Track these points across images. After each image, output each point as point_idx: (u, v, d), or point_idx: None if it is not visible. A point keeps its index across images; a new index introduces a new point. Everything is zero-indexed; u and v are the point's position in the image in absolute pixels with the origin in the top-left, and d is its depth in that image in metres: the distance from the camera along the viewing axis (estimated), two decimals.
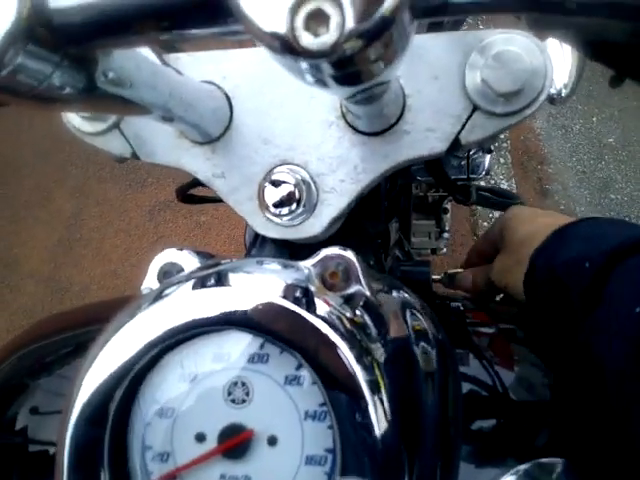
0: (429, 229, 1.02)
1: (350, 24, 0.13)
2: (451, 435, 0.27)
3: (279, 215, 0.33)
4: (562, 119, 2.06)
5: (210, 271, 0.27)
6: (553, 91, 0.41)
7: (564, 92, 0.40)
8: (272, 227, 0.34)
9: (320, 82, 0.17)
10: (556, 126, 2.12)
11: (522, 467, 0.27)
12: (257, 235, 0.41)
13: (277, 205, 0.33)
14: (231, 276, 0.26)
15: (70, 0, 0.16)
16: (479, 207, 1.75)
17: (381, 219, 0.49)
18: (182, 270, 0.28)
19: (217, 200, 0.47)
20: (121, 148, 0.36)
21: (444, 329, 0.32)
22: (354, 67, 0.16)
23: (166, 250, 0.29)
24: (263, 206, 0.34)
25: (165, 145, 0.36)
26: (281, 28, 0.14)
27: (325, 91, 0.19)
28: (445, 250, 1.14)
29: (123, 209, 1.71)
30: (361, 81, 0.18)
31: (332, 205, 0.34)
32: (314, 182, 0.34)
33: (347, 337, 0.23)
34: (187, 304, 0.25)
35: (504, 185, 1.80)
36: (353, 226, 0.39)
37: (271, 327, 0.24)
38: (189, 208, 1.72)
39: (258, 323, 0.24)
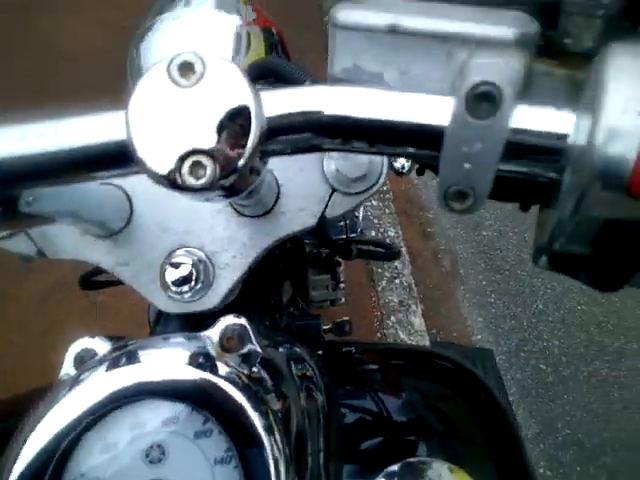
0: (326, 282, 1.10)
1: (219, 171, 0.20)
2: (334, 459, 0.33)
3: (180, 293, 0.38)
4: None
5: (121, 352, 0.31)
6: (398, 165, 0.52)
7: (407, 166, 0.51)
8: (174, 304, 0.39)
9: (207, 200, 0.24)
10: (430, 176, 2.39)
11: (392, 467, 0.34)
12: (161, 313, 0.45)
13: (177, 284, 0.38)
14: (140, 353, 0.30)
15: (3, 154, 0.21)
16: None
17: (273, 284, 0.55)
18: (96, 355, 0.32)
19: (120, 283, 0.51)
20: (28, 249, 0.39)
21: (335, 371, 0.39)
22: (226, 191, 0.22)
23: (80, 339, 0.32)
24: (165, 286, 0.38)
25: (70, 242, 0.39)
26: (172, 174, 0.20)
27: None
28: (343, 300, 1.23)
29: (12, 299, 1.60)
30: (234, 195, 0.24)
31: (226, 279, 0.39)
32: (209, 260, 0.39)
33: (245, 391, 0.28)
34: (102, 384, 0.28)
35: (391, 232, 1.99)
36: (249, 293, 0.45)
37: (179, 392, 0.28)
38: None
39: (167, 390, 0.28)
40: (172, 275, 0.38)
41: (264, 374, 0.30)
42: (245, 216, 0.40)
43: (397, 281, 1.84)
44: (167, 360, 0.29)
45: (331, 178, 0.39)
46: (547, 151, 0.19)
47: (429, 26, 0.21)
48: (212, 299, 0.39)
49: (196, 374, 0.28)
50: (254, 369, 0.30)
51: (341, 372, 0.40)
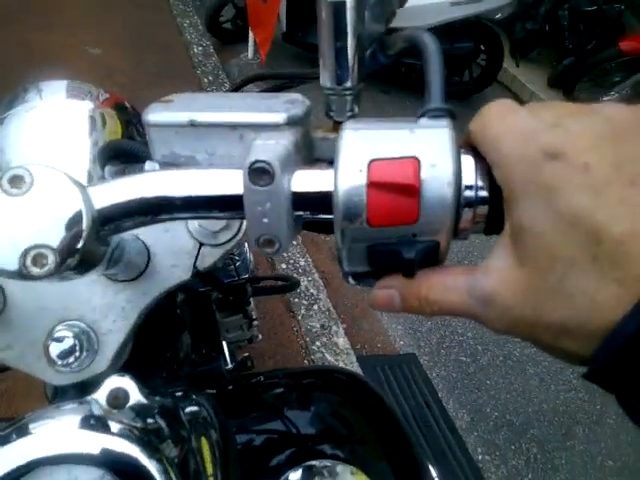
0: (239, 322, 1.13)
1: (59, 258, 0.24)
2: (234, 472, 0.37)
3: (67, 364, 0.40)
4: None
5: (11, 429, 0.32)
6: None
7: None
8: (64, 376, 0.41)
9: (64, 279, 0.27)
10: None
11: (293, 473, 0.38)
12: (57, 388, 0.46)
13: (63, 357, 0.40)
14: (31, 426, 0.32)
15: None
16: None
17: (167, 338, 0.58)
18: None
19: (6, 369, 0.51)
20: None
21: (242, 402, 0.42)
22: (77, 269, 0.26)
23: None
24: (51, 362, 0.40)
25: None
26: (16, 267, 0.24)
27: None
28: (260, 336, 1.26)
29: None
30: (89, 270, 0.28)
31: (111, 343, 0.42)
32: (92, 329, 0.42)
33: (138, 443, 0.31)
34: None
35: (302, 262, 2.05)
36: (141, 351, 0.47)
37: (71, 457, 0.31)
38: None
39: (61, 456, 0.31)
40: (56, 349, 0.40)
41: (161, 422, 0.33)
42: (120, 281, 0.43)
43: (315, 307, 1.90)
44: (57, 427, 0.32)
45: (196, 233, 0.44)
46: (320, 202, 0.25)
47: (221, 118, 0.27)
48: (100, 364, 0.41)
49: (87, 435, 0.31)
50: (149, 420, 0.33)
51: (248, 402, 0.44)
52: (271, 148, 0.24)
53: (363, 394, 0.51)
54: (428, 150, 0.23)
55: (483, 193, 0.24)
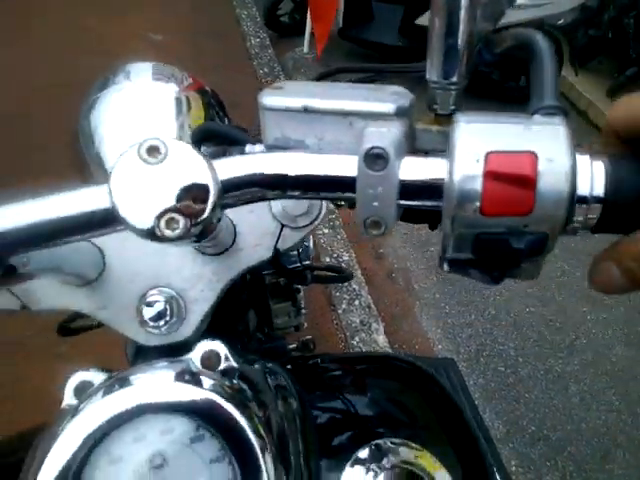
0: (288, 310, 1.16)
1: (189, 224, 0.27)
2: (313, 457, 0.39)
3: (157, 327, 0.44)
4: None
5: (113, 380, 0.36)
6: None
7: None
8: (153, 338, 0.44)
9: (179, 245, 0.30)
10: None
11: (361, 452, 0.40)
12: (139, 348, 0.50)
13: (154, 320, 0.43)
14: (132, 378, 0.36)
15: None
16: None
17: (239, 314, 0.61)
18: (92, 385, 0.37)
19: (94, 327, 0.55)
20: (11, 304, 0.43)
21: (303, 381, 0.45)
22: (196, 238, 0.29)
23: (76, 373, 0.37)
24: (143, 323, 0.44)
25: (51, 293, 0.44)
26: (152, 229, 0.26)
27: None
28: (306, 325, 1.29)
29: None
30: (202, 240, 0.31)
31: (197, 311, 0.45)
32: (180, 296, 0.45)
33: (230, 398, 0.34)
34: (102, 408, 0.33)
35: (345, 256, 2.08)
36: (217, 323, 0.51)
37: (171, 406, 0.34)
38: (44, 342, 1.63)
39: (161, 405, 0.34)
40: (148, 313, 0.43)
41: (244, 386, 0.36)
42: (208, 254, 0.46)
43: (356, 302, 1.92)
44: (157, 379, 0.35)
45: (279, 216, 0.46)
46: (429, 189, 0.27)
47: (333, 105, 0.29)
48: (186, 330, 0.44)
49: (184, 388, 0.34)
50: (234, 382, 0.36)
51: (309, 381, 0.46)
52: (385, 135, 0.26)
53: (427, 383, 0.52)
54: (545, 145, 0.24)
55: (598, 192, 0.25)
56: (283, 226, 0.47)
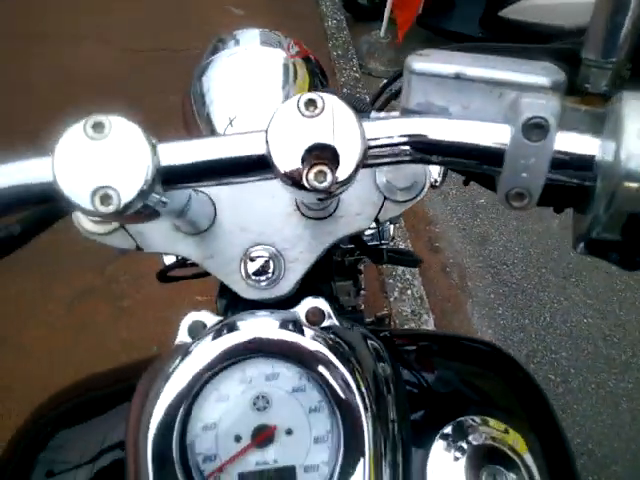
0: (348, 289, 1.18)
1: (336, 179, 0.27)
2: (405, 425, 0.40)
3: (258, 281, 0.46)
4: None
5: (222, 324, 0.38)
6: (432, 180, 0.59)
7: (439, 180, 0.58)
8: (252, 291, 0.46)
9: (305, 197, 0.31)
10: (436, 192, 2.49)
11: (446, 429, 0.40)
12: (231, 300, 0.52)
13: (256, 274, 0.45)
14: (239, 324, 0.38)
15: (173, 161, 0.29)
16: (384, 270, 1.99)
17: (324, 280, 0.63)
18: (205, 325, 0.39)
19: (191, 277, 0.58)
20: (126, 243, 0.46)
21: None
22: (329, 195, 0.29)
23: (190, 313, 0.39)
24: (245, 276, 0.46)
25: (163, 238, 0.47)
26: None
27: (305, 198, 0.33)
28: (363, 306, 1.30)
29: (41, 303, 1.67)
30: (329, 199, 0.32)
31: (296, 271, 0.47)
32: (281, 255, 0.47)
33: (332, 350, 0.35)
34: (212, 350, 0.36)
35: (402, 245, 2.06)
36: (307, 285, 0.52)
37: (276, 352, 0.35)
38: (110, 294, 1.73)
39: (267, 351, 0.35)
40: (252, 267, 0.45)
41: (344, 345, 0.37)
42: (310, 219, 0.47)
43: (409, 292, 1.91)
44: (263, 326, 0.36)
45: (382, 188, 0.47)
46: (580, 165, 0.27)
47: (486, 74, 0.29)
48: (284, 287, 0.46)
49: (291, 335, 0.35)
50: (337, 339, 0.37)
51: (393, 355, 0.47)
52: (546, 106, 0.26)
53: (510, 368, 0.51)
54: None
55: None
56: (385, 198, 0.47)
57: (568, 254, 2.30)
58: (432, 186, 0.59)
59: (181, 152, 0.29)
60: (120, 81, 2.66)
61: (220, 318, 0.40)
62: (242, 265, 0.46)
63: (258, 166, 0.30)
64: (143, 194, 0.27)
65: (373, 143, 0.29)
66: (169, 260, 0.74)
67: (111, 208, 0.27)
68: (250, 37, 0.74)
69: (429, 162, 0.30)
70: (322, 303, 0.39)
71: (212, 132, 0.65)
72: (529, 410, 0.47)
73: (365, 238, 0.82)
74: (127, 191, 0.27)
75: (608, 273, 2.23)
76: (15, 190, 0.28)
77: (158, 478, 0.32)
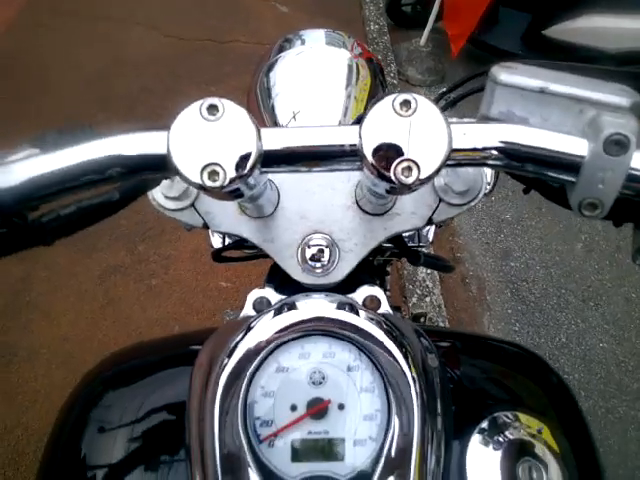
0: None
1: (420, 176, 0.30)
2: (448, 417, 0.42)
3: (313, 267, 0.48)
4: None
5: (283, 303, 0.41)
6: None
7: (489, 187, 0.60)
8: (307, 276, 0.49)
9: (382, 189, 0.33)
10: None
11: (482, 424, 0.42)
12: (278, 286, 0.55)
13: (312, 260, 0.48)
14: (298, 304, 0.40)
15: (273, 146, 0.32)
16: (405, 275, 2.00)
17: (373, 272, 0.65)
18: (269, 301, 0.42)
19: (244, 259, 0.61)
20: (194, 221, 0.49)
21: None
22: (410, 190, 0.32)
23: (255, 289, 0.42)
24: (302, 261, 0.48)
25: (229, 219, 0.49)
26: (388, 171, 0.30)
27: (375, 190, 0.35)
28: None
29: (73, 274, 1.73)
30: (405, 193, 0.34)
31: (349, 261, 0.49)
32: (337, 245, 0.49)
33: (388, 334, 0.37)
34: (276, 324, 0.38)
35: (424, 250, 2.08)
36: (354, 276, 0.55)
37: (335, 331, 0.38)
38: (139, 272, 1.78)
39: (326, 329, 0.38)
40: (309, 253, 0.48)
41: (398, 332, 0.40)
42: (368, 214, 0.50)
43: (427, 299, 1.92)
44: (323, 306, 0.39)
45: (439, 190, 0.49)
46: None
47: (569, 91, 0.31)
48: (336, 275, 0.49)
49: (347, 316, 0.38)
50: (391, 325, 0.39)
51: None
52: (627, 125, 0.28)
53: (543, 371, 0.53)
54: None
55: None
56: (441, 200, 0.49)
57: (589, 277, 2.29)
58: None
59: (281, 138, 0.32)
60: (165, 66, 2.71)
61: (283, 297, 0.43)
62: (299, 251, 0.49)
63: (349, 156, 0.32)
64: (246, 174, 0.30)
65: (458, 146, 0.31)
66: (216, 242, 0.77)
67: (217, 184, 0.30)
68: (316, 37, 0.77)
69: (507, 167, 0.32)
70: (378, 291, 0.41)
71: (275, 124, 0.68)
72: (560, 412, 0.49)
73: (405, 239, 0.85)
74: (232, 170, 0.29)
75: (628, 300, 2.21)
76: (130, 158, 0.31)
77: (224, 436, 0.35)
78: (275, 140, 0.32)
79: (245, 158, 0.30)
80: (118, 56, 2.74)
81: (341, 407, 0.37)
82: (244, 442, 0.35)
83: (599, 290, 2.28)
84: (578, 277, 2.29)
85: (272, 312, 0.40)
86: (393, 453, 0.35)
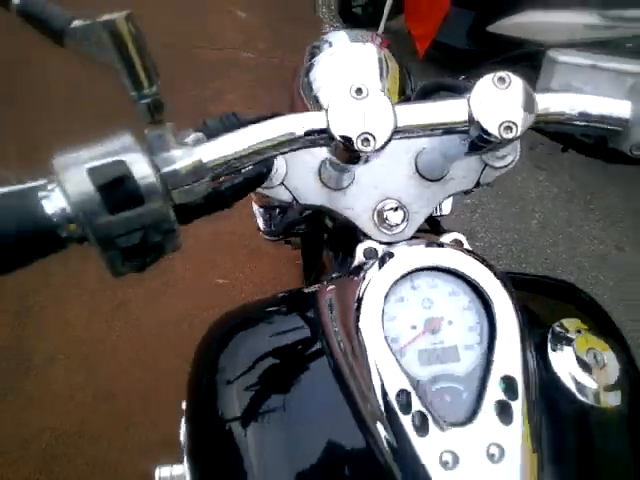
0: None
1: (516, 135, 0.40)
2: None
3: (388, 227, 0.58)
4: None
5: (384, 253, 0.50)
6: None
7: (519, 154, 0.71)
8: (382, 235, 0.58)
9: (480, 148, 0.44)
10: None
11: (554, 327, 0.53)
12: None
13: (387, 221, 0.58)
14: (399, 250, 0.50)
15: (404, 122, 0.41)
16: None
17: None
18: (376, 252, 0.51)
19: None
20: (285, 196, 0.58)
21: None
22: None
23: (365, 240, 0.51)
24: (379, 222, 0.58)
25: (314, 193, 0.58)
26: (497, 132, 0.40)
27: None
28: None
29: (83, 277, 1.72)
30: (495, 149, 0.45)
31: (416, 221, 0.59)
32: (405, 208, 0.59)
33: (479, 261, 0.48)
34: (394, 266, 0.47)
35: None
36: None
37: (437, 265, 0.47)
38: (152, 271, 1.78)
39: (431, 265, 0.47)
40: (383, 215, 0.58)
41: (485, 261, 0.50)
42: (427, 180, 0.60)
43: None
44: (421, 249, 0.49)
45: (483, 156, 0.60)
46: None
47: (614, 66, 0.43)
48: (407, 233, 0.59)
49: (443, 252, 0.48)
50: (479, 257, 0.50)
51: None
52: None
53: (590, 305, 0.64)
54: None
55: None
56: (486, 165, 0.60)
57: (545, 250, 2.52)
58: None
59: (409, 113, 0.41)
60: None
61: (385, 247, 0.52)
62: (375, 215, 0.58)
63: (460, 125, 0.42)
64: (385, 143, 0.39)
65: (542, 112, 0.42)
66: (260, 224, 0.85)
67: (369, 149, 0.39)
68: (340, 38, 0.87)
69: (571, 125, 0.43)
70: (461, 237, 0.51)
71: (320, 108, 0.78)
72: (601, 323, 0.60)
73: None
74: (380, 139, 0.39)
75: (580, 268, 2.45)
76: (293, 137, 0.40)
77: (371, 349, 0.44)
78: (405, 115, 0.41)
79: (388, 130, 0.39)
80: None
81: (450, 322, 0.47)
82: (389, 351, 0.44)
83: (555, 261, 2.51)
84: (535, 251, 2.51)
85: (378, 260, 0.49)
86: (495, 352, 0.45)
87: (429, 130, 0.43)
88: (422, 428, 0.41)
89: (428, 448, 0.41)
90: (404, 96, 0.80)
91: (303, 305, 0.57)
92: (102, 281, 1.74)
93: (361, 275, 0.48)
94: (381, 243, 0.59)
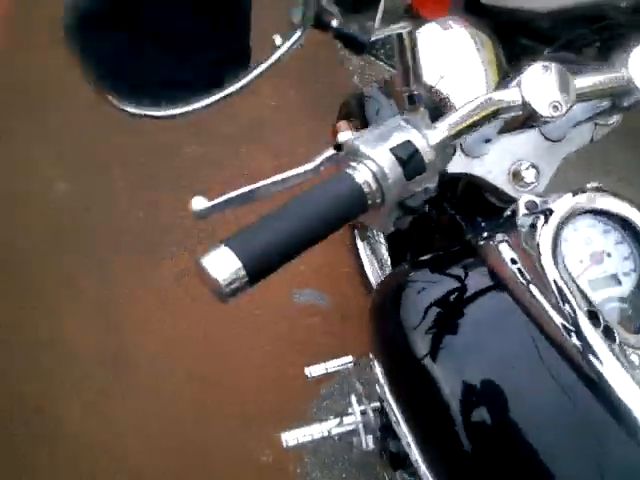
0: None
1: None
2: None
3: (523, 185, 0.68)
4: None
5: (540, 209, 0.60)
6: None
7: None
8: (517, 192, 0.68)
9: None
10: None
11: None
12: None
13: (523, 179, 0.67)
14: (558, 200, 0.59)
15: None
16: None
17: None
18: (535, 204, 0.61)
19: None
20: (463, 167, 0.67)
21: None
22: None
23: (522, 196, 0.61)
24: (515, 182, 0.68)
25: (459, 162, 0.67)
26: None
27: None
28: None
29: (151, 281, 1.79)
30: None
31: (546, 176, 0.69)
32: (536, 167, 0.68)
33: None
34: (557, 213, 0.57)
35: None
36: None
37: (593, 209, 0.57)
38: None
39: (587, 210, 0.57)
40: (519, 175, 0.67)
41: None
42: (551, 141, 0.69)
43: None
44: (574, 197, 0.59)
45: (596, 117, 0.70)
46: None
47: None
48: (539, 189, 0.68)
49: (606, 198, 0.58)
50: None
51: None
52: None
53: None
54: None
55: None
56: (596, 125, 0.70)
57: None
58: None
59: (580, 84, 0.52)
60: None
61: (544, 200, 0.62)
62: (510, 176, 0.68)
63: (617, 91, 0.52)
64: (568, 109, 0.50)
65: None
66: None
67: (557, 114, 0.49)
68: (430, 29, 0.94)
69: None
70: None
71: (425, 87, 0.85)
72: None
73: None
74: (565, 106, 0.49)
75: None
76: (490, 113, 0.51)
77: (560, 282, 0.54)
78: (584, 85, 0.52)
79: (570, 99, 0.50)
80: None
81: (609, 255, 0.57)
82: (574, 282, 0.54)
83: None
84: None
85: (546, 211, 0.58)
86: None
87: (596, 97, 0.53)
88: (610, 338, 0.52)
89: (619, 352, 0.51)
90: (502, 64, 0.88)
91: (471, 256, 0.68)
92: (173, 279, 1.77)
93: (528, 224, 0.58)
94: None
